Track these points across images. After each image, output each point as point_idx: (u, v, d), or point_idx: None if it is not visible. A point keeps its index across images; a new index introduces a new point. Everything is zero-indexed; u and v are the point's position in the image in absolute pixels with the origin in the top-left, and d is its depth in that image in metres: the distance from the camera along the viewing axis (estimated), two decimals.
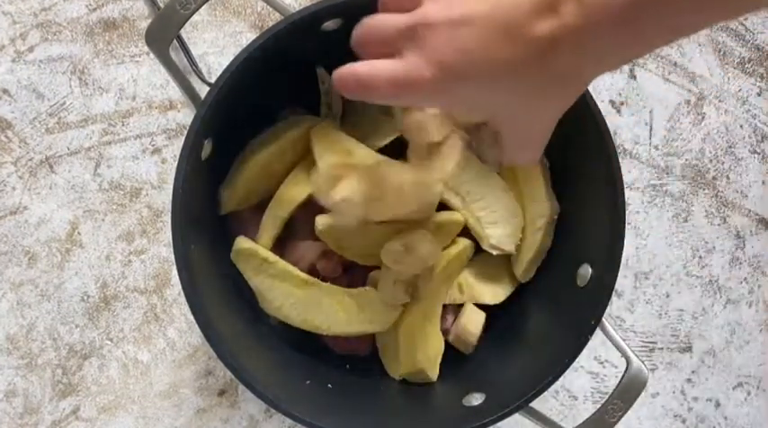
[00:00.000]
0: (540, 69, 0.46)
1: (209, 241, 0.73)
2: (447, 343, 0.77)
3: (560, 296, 0.73)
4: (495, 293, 0.77)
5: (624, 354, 0.68)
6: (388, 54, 0.49)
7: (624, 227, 0.66)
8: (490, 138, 0.54)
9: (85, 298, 0.83)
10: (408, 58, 0.48)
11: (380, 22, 0.51)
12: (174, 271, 0.83)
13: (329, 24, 0.67)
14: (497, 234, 0.75)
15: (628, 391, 0.66)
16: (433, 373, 0.75)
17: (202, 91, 0.69)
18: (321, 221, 0.73)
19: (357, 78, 0.50)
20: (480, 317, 0.77)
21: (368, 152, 0.74)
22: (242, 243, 0.75)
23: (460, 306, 0.78)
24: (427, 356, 0.75)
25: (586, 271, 0.69)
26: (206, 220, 0.74)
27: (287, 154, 0.75)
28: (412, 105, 0.53)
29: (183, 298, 0.83)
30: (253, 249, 0.72)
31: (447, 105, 0.51)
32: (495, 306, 0.77)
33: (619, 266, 0.66)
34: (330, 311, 0.75)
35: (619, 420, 0.66)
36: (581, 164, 0.70)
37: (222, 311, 0.70)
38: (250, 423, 0.83)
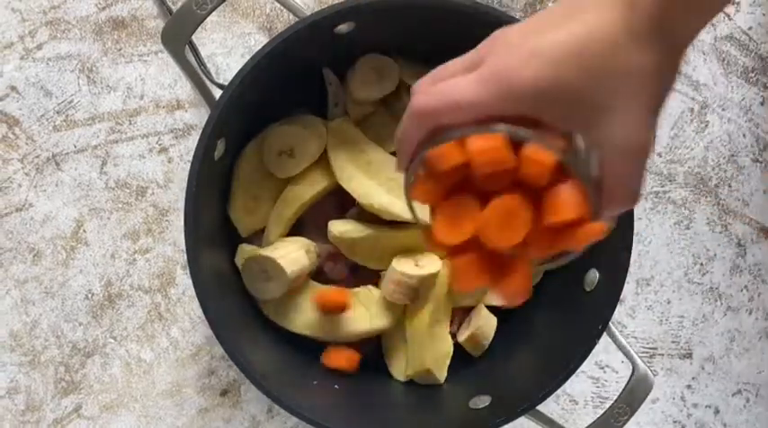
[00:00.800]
0: (637, 93, 0.44)
1: (219, 240, 0.73)
2: (454, 346, 0.77)
3: (567, 300, 0.73)
4: None
5: (630, 359, 0.69)
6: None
7: (632, 232, 0.67)
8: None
9: (89, 296, 0.83)
10: (491, 60, 0.45)
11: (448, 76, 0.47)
12: (179, 271, 0.83)
13: (342, 27, 0.68)
14: None
15: (634, 396, 0.67)
16: (441, 374, 0.76)
17: (211, 91, 0.69)
18: (335, 228, 0.74)
19: (434, 91, 0.46)
20: (494, 322, 0.78)
21: (382, 154, 0.75)
22: (246, 251, 0.75)
23: (468, 310, 0.78)
24: (435, 357, 0.75)
25: (594, 275, 0.70)
26: (217, 220, 0.74)
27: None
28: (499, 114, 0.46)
29: (187, 298, 0.83)
30: (254, 256, 0.72)
31: (539, 110, 0.45)
32: (503, 310, 0.78)
33: (626, 271, 0.67)
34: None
35: (624, 424, 0.66)
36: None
37: (231, 310, 0.71)
38: (252, 424, 0.83)
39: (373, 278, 0.77)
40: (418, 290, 0.74)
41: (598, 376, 0.86)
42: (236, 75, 0.64)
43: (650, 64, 0.44)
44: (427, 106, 0.46)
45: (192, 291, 0.71)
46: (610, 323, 0.67)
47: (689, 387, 0.87)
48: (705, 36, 0.88)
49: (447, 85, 0.46)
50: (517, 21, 0.65)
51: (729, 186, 0.88)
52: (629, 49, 0.43)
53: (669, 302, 0.87)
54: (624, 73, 0.44)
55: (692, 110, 0.88)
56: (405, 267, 0.72)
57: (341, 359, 0.76)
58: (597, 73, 0.43)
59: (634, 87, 0.44)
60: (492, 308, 0.78)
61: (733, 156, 0.88)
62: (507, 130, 0.45)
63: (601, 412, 0.68)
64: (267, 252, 0.71)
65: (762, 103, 0.88)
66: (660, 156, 0.87)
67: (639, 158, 0.46)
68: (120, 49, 0.84)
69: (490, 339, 0.77)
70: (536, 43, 0.44)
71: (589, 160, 0.46)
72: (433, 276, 0.73)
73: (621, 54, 0.43)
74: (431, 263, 0.73)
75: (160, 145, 0.84)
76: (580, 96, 0.44)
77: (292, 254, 0.72)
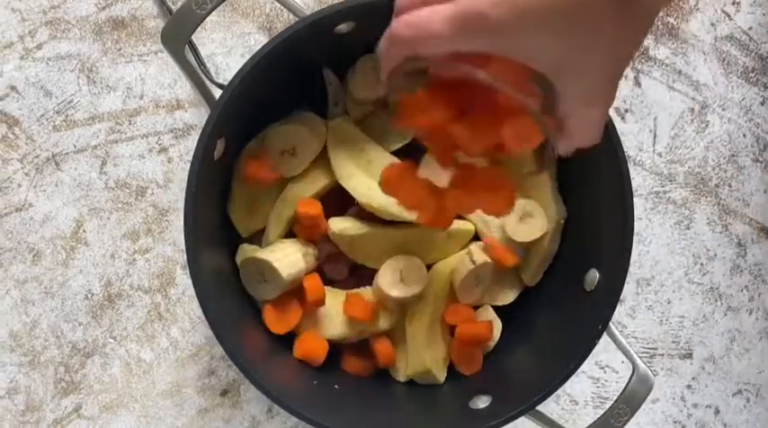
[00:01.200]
0: (619, 7, 0.43)
1: (219, 240, 0.73)
2: None
3: (567, 300, 0.73)
4: (504, 295, 0.78)
5: (630, 359, 0.68)
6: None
7: (633, 231, 0.67)
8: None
9: (89, 296, 0.83)
10: None
11: (428, 15, 0.46)
12: (179, 271, 0.83)
13: (342, 27, 0.68)
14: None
15: (634, 396, 0.67)
16: (441, 374, 0.76)
17: (211, 91, 0.69)
18: (334, 225, 0.74)
19: (410, 22, 0.46)
20: (499, 323, 0.78)
21: (382, 153, 0.75)
22: (246, 251, 0.75)
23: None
24: (435, 357, 0.75)
25: (594, 275, 0.70)
26: (217, 220, 0.74)
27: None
28: (472, 51, 0.46)
29: (186, 298, 0.83)
30: (252, 258, 0.72)
31: (509, 51, 0.45)
32: (503, 310, 0.78)
33: (627, 271, 0.67)
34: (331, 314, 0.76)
35: (624, 424, 0.66)
36: (589, 170, 0.71)
37: (231, 310, 0.71)
38: (252, 424, 0.83)
39: (373, 278, 0.77)
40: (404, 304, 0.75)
41: (598, 376, 0.86)
42: (235, 74, 0.64)
43: (620, 28, 0.45)
44: (402, 36, 0.47)
45: (191, 291, 0.71)
46: (610, 323, 0.67)
47: (689, 387, 0.87)
48: (705, 36, 0.88)
49: (423, 18, 0.46)
50: None
51: (730, 186, 0.88)
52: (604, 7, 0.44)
53: (669, 302, 0.87)
54: (597, 29, 0.44)
55: (692, 110, 0.88)
56: (389, 285, 0.73)
57: (360, 365, 0.77)
58: (571, 25, 0.44)
59: (606, 42, 0.45)
60: (493, 309, 0.78)
61: (733, 156, 0.88)
62: (481, 78, 0.48)
63: (601, 412, 0.67)
64: (264, 254, 0.71)
65: (762, 103, 0.88)
66: (660, 156, 0.87)
67: (600, 110, 0.49)
68: (119, 49, 0.84)
69: (496, 340, 0.77)
70: None
71: (554, 104, 0.48)
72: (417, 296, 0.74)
73: (595, 10, 0.44)
74: (417, 280, 0.73)
75: (160, 145, 0.84)
76: (551, 43, 0.45)
77: (290, 257, 0.72)
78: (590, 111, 0.49)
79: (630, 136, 0.87)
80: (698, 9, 0.88)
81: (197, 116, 0.84)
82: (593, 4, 0.43)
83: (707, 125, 0.88)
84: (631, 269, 0.85)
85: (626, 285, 0.78)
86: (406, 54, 0.48)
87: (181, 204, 0.66)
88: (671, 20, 0.88)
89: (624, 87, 0.87)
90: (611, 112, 0.87)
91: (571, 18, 0.43)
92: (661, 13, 0.88)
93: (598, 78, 0.47)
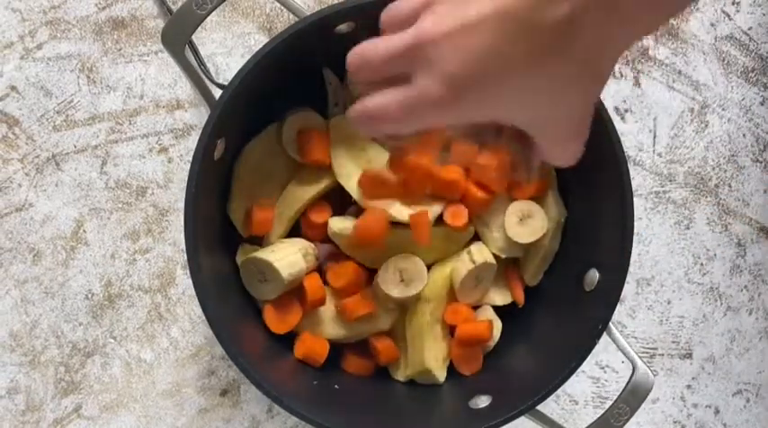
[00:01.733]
0: (562, 57, 0.43)
1: (219, 240, 0.73)
2: None
3: (567, 300, 0.74)
4: (504, 295, 0.78)
5: (630, 359, 0.69)
6: (393, 82, 0.47)
7: (633, 231, 0.67)
8: (517, 150, 0.53)
9: (89, 296, 0.83)
10: (417, 81, 0.45)
11: (374, 50, 0.48)
12: (179, 271, 0.83)
13: (342, 27, 0.68)
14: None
15: (634, 395, 0.67)
16: (441, 374, 0.76)
17: (211, 91, 0.69)
18: (334, 224, 0.74)
19: (366, 111, 0.48)
20: (499, 323, 0.78)
21: (382, 153, 0.75)
22: (246, 251, 0.75)
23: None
24: (435, 357, 0.75)
25: (594, 275, 0.70)
26: (217, 220, 0.74)
27: (278, 154, 0.76)
28: (430, 127, 0.48)
29: (186, 298, 0.83)
30: (252, 258, 0.72)
31: (466, 118, 0.47)
32: (503, 310, 0.78)
33: (627, 271, 0.67)
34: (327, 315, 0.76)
35: (624, 424, 0.66)
36: (590, 170, 0.70)
37: (231, 310, 0.71)
38: (252, 424, 0.83)
39: (373, 278, 0.77)
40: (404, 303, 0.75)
41: (598, 376, 0.86)
42: (236, 75, 0.64)
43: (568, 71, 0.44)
44: (362, 124, 0.49)
45: (192, 291, 0.71)
46: (610, 323, 0.67)
47: (689, 387, 0.87)
48: (705, 36, 0.88)
49: (378, 106, 0.48)
50: None
51: (729, 186, 0.88)
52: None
53: (669, 302, 0.87)
54: (552, 85, 0.45)
55: (692, 110, 0.88)
56: (389, 285, 0.73)
57: (361, 364, 0.77)
58: (531, 89, 0.45)
59: (565, 91, 0.45)
60: (493, 309, 0.78)
61: (733, 156, 0.88)
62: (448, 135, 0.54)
63: (601, 412, 0.67)
64: (264, 254, 0.71)
65: (762, 103, 0.88)
66: (660, 156, 0.87)
67: (577, 143, 0.50)
68: (120, 49, 0.84)
69: (496, 340, 0.77)
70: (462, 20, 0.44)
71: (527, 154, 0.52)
72: (416, 295, 0.74)
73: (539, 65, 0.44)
74: (417, 280, 0.73)
75: (160, 145, 0.84)
76: (516, 109, 0.46)
77: (290, 257, 0.72)
78: (567, 146, 0.50)
79: (630, 136, 0.87)
80: (698, 9, 0.88)
81: (197, 116, 0.84)
82: (539, 60, 0.43)
83: (707, 125, 0.88)
84: (631, 269, 0.85)
85: (626, 285, 0.78)
86: (374, 134, 0.51)
87: (181, 204, 0.66)
88: (671, 20, 0.88)
89: (624, 87, 0.87)
90: (611, 112, 0.87)
91: (527, 81, 0.44)
92: None
93: (571, 123, 0.48)
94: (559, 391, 0.67)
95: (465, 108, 0.45)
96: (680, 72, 0.88)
